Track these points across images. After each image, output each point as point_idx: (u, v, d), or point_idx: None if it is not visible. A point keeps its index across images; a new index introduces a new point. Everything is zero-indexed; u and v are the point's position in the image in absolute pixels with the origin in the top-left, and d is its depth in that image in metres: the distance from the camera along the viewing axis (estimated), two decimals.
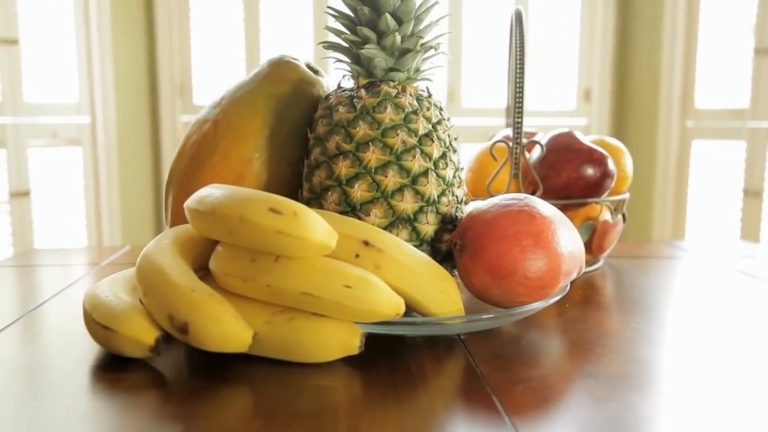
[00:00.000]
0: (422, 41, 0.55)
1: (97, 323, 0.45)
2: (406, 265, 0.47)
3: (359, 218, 0.52)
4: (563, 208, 0.74)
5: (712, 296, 0.64)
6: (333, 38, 0.56)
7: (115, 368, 0.45)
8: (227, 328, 0.42)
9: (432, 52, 0.56)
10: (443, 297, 0.48)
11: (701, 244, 0.92)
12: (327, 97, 0.56)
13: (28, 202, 2.24)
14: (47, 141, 2.30)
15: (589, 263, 0.76)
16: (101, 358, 0.47)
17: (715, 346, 0.50)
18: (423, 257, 0.49)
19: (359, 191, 0.51)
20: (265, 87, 0.59)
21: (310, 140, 0.56)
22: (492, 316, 0.49)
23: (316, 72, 0.62)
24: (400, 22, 0.53)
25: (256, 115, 0.58)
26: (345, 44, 0.55)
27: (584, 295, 0.65)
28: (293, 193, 0.59)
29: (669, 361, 0.46)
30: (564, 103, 2.86)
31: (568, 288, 0.55)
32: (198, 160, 0.58)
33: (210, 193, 0.46)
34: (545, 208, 0.52)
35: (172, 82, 2.64)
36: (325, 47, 0.56)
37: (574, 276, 0.54)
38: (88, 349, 0.48)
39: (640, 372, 0.44)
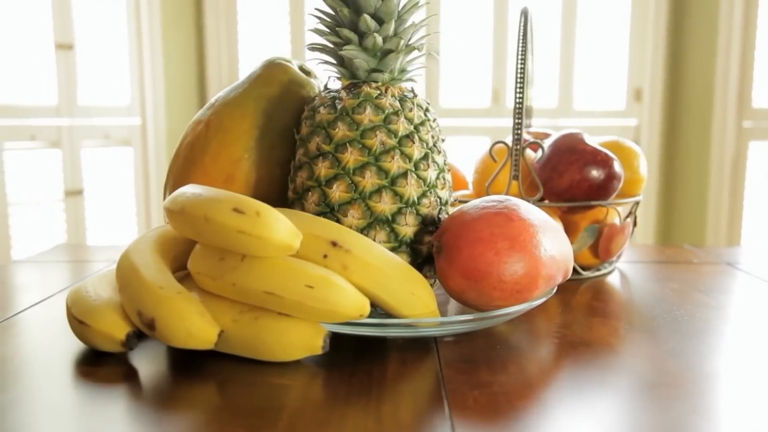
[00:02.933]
0: (406, 42, 0.55)
1: (74, 317, 0.47)
2: (374, 266, 0.47)
3: (337, 219, 0.52)
4: (568, 211, 0.72)
5: (722, 307, 0.61)
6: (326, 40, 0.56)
7: (91, 361, 0.46)
8: (192, 325, 0.43)
9: (416, 53, 0.56)
10: (413, 299, 0.48)
11: (737, 252, 0.87)
12: (313, 98, 0.57)
13: (82, 201, 2.33)
14: (100, 142, 2.39)
15: (597, 267, 0.73)
16: (82, 352, 0.48)
17: (709, 357, 0.48)
18: (393, 259, 0.48)
19: (337, 192, 0.52)
20: (256, 89, 0.60)
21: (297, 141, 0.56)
22: (462, 319, 0.49)
23: (308, 73, 0.63)
24: (381, 22, 0.53)
25: (246, 117, 0.58)
26: (330, 45, 0.56)
27: (582, 299, 0.63)
28: (282, 194, 0.59)
29: (648, 371, 0.44)
30: (613, 103, 2.78)
31: (554, 292, 0.54)
32: (190, 160, 0.59)
33: (183, 192, 0.47)
34: (527, 211, 0.51)
35: (221, 84, 2.70)
36: (311, 49, 0.56)
37: (558, 280, 0.53)
38: (73, 344, 0.50)
39: (611, 382, 0.43)
